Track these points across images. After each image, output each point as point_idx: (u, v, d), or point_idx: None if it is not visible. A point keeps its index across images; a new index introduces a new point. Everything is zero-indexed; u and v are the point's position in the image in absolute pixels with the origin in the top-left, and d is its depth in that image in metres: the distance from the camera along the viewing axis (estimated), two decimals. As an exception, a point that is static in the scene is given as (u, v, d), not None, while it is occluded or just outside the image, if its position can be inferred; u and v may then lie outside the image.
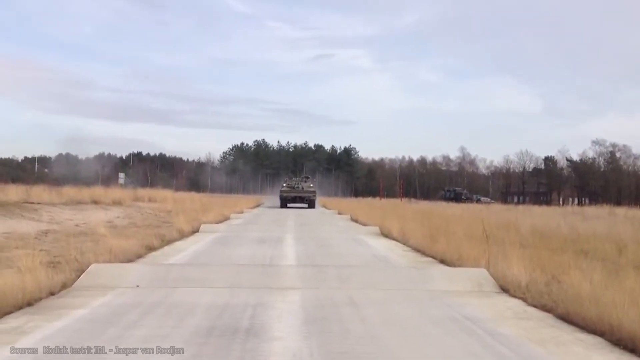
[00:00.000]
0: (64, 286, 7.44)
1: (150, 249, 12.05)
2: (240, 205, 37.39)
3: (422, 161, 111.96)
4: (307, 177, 48.61)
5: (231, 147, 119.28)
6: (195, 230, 17.59)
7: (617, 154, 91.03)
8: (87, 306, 6.43)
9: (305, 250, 12.81)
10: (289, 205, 42.48)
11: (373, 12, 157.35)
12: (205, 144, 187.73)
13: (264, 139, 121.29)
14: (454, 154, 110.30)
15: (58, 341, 4.86)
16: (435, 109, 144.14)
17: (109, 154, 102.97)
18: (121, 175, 62.89)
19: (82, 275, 7.93)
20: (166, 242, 13.67)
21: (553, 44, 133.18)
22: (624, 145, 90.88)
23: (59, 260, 9.13)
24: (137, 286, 7.71)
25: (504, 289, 7.81)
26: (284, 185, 44.89)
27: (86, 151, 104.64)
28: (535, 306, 6.78)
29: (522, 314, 6.49)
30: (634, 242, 13.57)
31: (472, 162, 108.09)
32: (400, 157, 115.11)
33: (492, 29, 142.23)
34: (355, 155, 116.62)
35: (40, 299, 6.64)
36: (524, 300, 7.13)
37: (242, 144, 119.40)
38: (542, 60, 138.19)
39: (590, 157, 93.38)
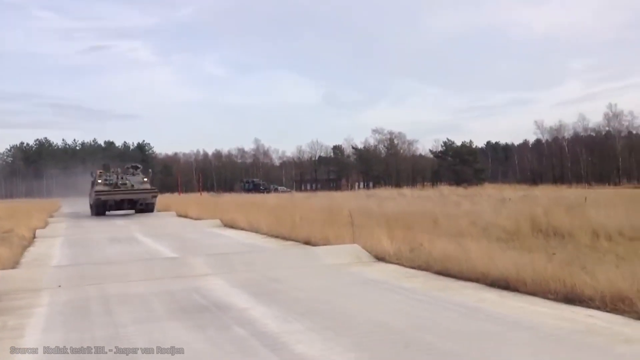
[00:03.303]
0: (-12, 293, 7.63)
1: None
2: (45, 210, 35.26)
3: (218, 154, 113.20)
4: (137, 167, 32.47)
5: (9, 148, 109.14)
6: (32, 237, 17.08)
7: (395, 141, 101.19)
8: (40, 305, 6.87)
9: (172, 245, 13.51)
10: (109, 212, 30.25)
11: (150, 3, 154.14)
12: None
13: (46, 137, 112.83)
14: (248, 147, 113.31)
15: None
16: (224, 102, 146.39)
17: None
18: None
19: (-4, 282, 8.09)
20: (22, 248, 13.45)
21: (331, 39, 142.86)
22: (400, 133, 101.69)
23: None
24: (59, 286, 8.11)
25: (379, 258, 9.62)
26: (100, 182, 29.30)
27: None
28: (413, 268, 8.64)
29: (407, 274, 8.30)
30: (442, 216, 16.55)
31: (266, 153, 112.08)
32: (195, 151, 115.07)
33: (272, 23, 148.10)
34: (150, 151, 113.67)
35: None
36: (401, 264, 8.98)
37: (22, 143, 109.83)
38: (322, 54, 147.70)
39: (372, 144, 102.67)
